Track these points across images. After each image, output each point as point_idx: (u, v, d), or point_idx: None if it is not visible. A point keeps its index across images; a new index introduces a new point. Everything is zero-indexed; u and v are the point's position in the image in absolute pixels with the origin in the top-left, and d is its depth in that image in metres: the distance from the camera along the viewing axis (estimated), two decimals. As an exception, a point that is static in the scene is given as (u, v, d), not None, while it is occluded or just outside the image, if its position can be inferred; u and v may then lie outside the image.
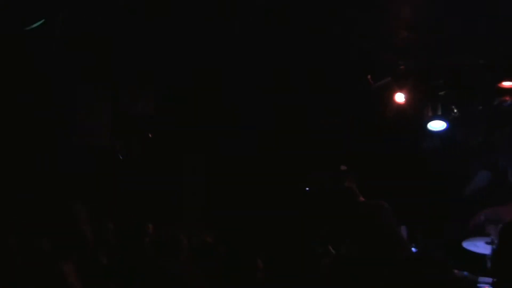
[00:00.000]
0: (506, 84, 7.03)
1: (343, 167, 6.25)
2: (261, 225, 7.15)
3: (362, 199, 5.78)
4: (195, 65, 7.15)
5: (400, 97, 7.17)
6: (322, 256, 5.51)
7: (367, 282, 5.13)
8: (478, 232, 7.55)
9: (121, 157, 7.48)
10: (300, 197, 6.88)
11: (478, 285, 6.21)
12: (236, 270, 5.19)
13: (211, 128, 7.70)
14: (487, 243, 6.56)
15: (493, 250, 5.65)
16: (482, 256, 6.82)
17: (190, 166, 8.12)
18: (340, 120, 7.63)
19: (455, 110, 7.39)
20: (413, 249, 6.69)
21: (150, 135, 7.03)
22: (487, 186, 8.30)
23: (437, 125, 7.31)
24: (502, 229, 4.92)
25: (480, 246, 6.72)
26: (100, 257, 5.02)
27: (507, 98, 7.22)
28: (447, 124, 7.27)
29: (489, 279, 6.34)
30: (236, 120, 7.70)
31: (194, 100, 7.68)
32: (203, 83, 7.44)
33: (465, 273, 6.36)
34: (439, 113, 7.22)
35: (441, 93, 7.23)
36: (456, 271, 6.14)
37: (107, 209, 6.29)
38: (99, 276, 4.83)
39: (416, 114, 7.36)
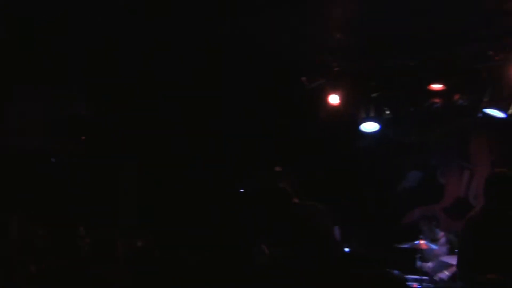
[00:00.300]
0: (435, 86, 7.22)
1: (278, 168, 6.29)
2: (196, 227, 7.11)
3: (296, 200, 5.82)
4: (134, 66, 7.06)
5: (334, 99, 7.25)
6: (257, 256, 5.53)
7: (300, 282, 5.19)
8: (411, 228, 7.75)
9: (53, 160, 7.29)
10: (235, 198, 6.88)
11: (408, 283, 6.37)
12: (171, 272, 5.15)
13: (145, 130, 7.60)
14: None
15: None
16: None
17: (124, 169, 8.00)
18: (275, 121, 7.65)
19: (388, 112, 7.53)
20: (346, 249, 6.80)
21: (83, 138, 6.88)
22: (418, 185, 8.53)
23: (370, 127, 7.43)
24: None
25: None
26: (28, 264, 4.88)
27: (437, 100, 7.41)
28: (379, 125, 7.39)
29: (416, 277, 6.54)
30: (170, 123, 7.62)
31: (131, 102, 7.58)
32: (142, 85, 7.35)
33: (396, 271, 6.50)
34: (372, 114, 7.34)
35: (374, 95, 7.35)
36: (387, 270, 6.27)
37: (38, 214, 6.12)
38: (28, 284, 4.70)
39: (350, 115, 7.45)
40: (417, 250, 6.98)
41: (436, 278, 6.99)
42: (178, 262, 5.41)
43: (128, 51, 6.75)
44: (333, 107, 7.30)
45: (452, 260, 6.95)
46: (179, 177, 7.60)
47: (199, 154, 7.69)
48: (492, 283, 4.95)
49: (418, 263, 6.87)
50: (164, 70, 7.10)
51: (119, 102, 7.52)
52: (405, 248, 6.98)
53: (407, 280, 6.53)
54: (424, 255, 7.28)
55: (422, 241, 6.83)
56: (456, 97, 7.38)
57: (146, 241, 5.90)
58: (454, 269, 7.13)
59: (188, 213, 7.35)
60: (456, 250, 6.77)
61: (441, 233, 7.43)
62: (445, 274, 7.12)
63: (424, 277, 6.53)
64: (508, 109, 6.80)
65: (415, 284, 6.48)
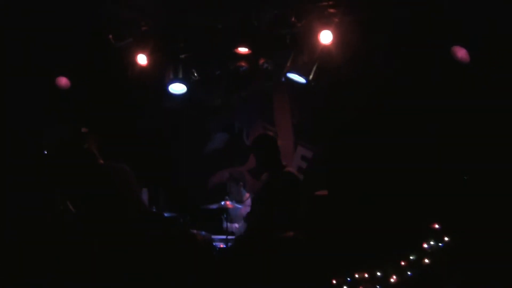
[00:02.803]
0: (241, 50, 7.36)
1: (84, 129, 6.08)
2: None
3: (101, 161, 5.72)
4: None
5: (142, 59, 7.12)
6: (64, 213, 5.39)
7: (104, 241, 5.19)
8: (218, 190, 7.91)
9: None
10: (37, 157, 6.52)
11: (214, 243, 6.52)
12: None
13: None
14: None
15: None
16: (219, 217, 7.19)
17: None
18: (82, 81, 7.34)
19: (195, 74, 7.57)
20: (153, 210, 6.80)
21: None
22: (224, 146, 8.72)
23: (177, 88, 7.42)
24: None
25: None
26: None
27: (243, 64, 7.58)
28: (187, 87, 7.41)
29: (223, 237, 6.73)
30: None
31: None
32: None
33: (203, 232, 6.63)
34: (180, 76, 7.32)
35: (182, 56, 7.33)
36: (194, 230, 6.39)
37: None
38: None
39: (158, 76, 7.37)
40: (223, 210, 7.14)
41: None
42: None
43: None
44: (142, 67, 7.16)
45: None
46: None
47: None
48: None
49: (225, 224, 7.03)
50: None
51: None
52: (211, 208, 7.12)
53: (213, 240, 6.69)
54: (231, 215, 7.49)
55: (228, 202, 6.99)
56: (261, 61, 7.62)
57: None
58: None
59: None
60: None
61: (247, 194, 7.68)
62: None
63: (230, 237, 6.71)
64: (309, 75, 7.12)
65: (221, 244, 6.64)
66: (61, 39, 6.92)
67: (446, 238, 5.65)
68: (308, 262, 5.25)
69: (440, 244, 5.66)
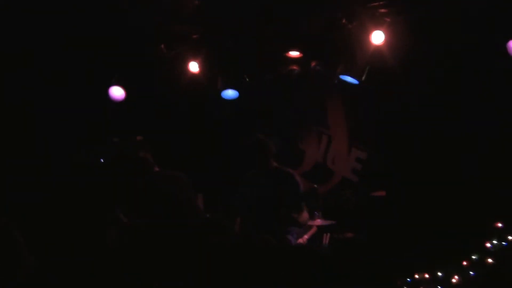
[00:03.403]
0: (292, 53, 7.36)
1: (139, 138, 6.17)
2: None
3: (157, 168, 5.78)
4: None
5: (193, 67, 7.19)
6: (112, 224, 5.45)
7: (161, 248, 5.20)
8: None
9: None
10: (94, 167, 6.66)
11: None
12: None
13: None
14: None
15: None
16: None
17: None
18: (134, 90, 7.46)
19: (247, 79, 7.59)
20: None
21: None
22: (279, 151, 8.69)
23: (230, 94, 7.46)
24: None
25: None
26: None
27: (295, 68, 7.58)
28: (239, 93, 7.44)
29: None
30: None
31: None
32: None
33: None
34: (232, 82, 7.36)
35: (234, 62, 7.36)
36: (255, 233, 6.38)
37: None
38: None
39: (210, 83, 7.42)
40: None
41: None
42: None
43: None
44: (193, 75, 7.24)
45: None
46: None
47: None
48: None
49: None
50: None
51: None
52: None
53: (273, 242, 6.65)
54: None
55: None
56: (313, 64, 7.60)
57: None
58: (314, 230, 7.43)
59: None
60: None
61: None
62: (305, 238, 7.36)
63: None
64: (362, 76, 7.05)
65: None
66: (114, 48, 7.06)
67: (510, 237, 5.49)
68: (368, 262, 5.18)
69: (503, 243, 5.50)
